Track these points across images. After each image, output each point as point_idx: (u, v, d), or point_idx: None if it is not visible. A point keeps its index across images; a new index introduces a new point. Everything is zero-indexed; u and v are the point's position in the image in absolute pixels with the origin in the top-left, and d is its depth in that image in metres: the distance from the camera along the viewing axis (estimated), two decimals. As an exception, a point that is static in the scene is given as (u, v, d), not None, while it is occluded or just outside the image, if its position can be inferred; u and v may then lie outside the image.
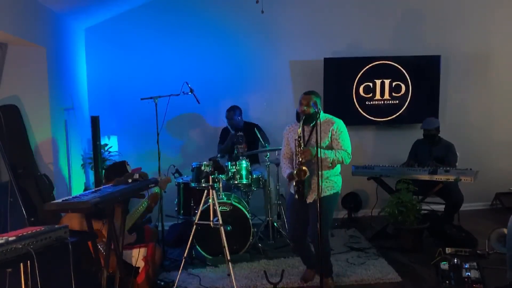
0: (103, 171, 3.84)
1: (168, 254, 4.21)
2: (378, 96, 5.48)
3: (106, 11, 5.05)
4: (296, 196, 3.28)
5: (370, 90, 5.46)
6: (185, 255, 3.45)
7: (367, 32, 5.54)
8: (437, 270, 3.52)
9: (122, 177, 3.07)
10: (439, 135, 4.81)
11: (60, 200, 2.39)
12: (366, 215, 5.48)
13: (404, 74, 5.44)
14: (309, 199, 3.30)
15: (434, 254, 3.89)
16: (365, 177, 4.81)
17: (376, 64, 5.40)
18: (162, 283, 3.55)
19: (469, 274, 3.33)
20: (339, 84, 5.42)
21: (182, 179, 4.43)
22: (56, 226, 2.20)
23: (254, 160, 5.07)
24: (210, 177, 3.53)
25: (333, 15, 5.48)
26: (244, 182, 4.30)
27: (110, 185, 2.87)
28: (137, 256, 3.20)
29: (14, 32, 3.46)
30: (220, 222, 3.40)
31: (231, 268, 3.33)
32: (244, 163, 4.30)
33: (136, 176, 2.92)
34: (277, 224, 4.63)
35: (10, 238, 1.91)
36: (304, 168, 3.14)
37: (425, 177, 4.42)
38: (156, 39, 5.32)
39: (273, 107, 5.48)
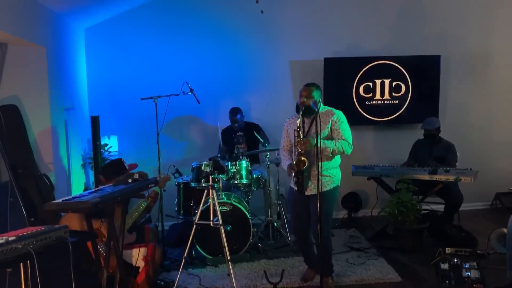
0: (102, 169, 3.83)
1: (168, 254, 4.21)
2: (378, 96, 5.48)
3: (106, 11, 5.05)
4: (296, 188, 3.28)
5: (370, 90, 5.46)
6: (185, 255, 3.45)
7: (367, 32, 5.54)
8: (437, 270, 3.52)
9: (121, 175, 3.08)
10: (439, 135, 4.80)
11: (60, 200, 2.39)
12: (366, 215, 5.48)
13: (404, 74, 5.44)
14: (308, 192, 3.30)
15: (434, 254, 3.89)
16: (365, 177, 4.81)
17: (376, 64, 5.40)
18: (162, 283, 3.56)
19: (469, 274, 3.33)
20: (339, 84, 5.42)
21: (182, 179, 4.43)
22: (56, 226, 2.20)
23: (254, 160, 5.08)
24: (210, 177, 3.54)
25: (333, 15, 5.48)
26: (244, 182, 4.30)
27: (109, 185, 2.87)
28: (137, 256, 3.20)
29: (14, 32, 3.46)
30: (220, 222, 3.40)
31: (231, 268, 3.33)
32: (244, 163, 4.30)
33: (136, 176, 2.92)
34: (277, 224, 4.64)
35: (10, 238, 1.91)
36: (303, 158, 3.15)
37: (425, 177, 4.42)
38: (156, 39, 5.33)
39: (273, 107, 5.48)
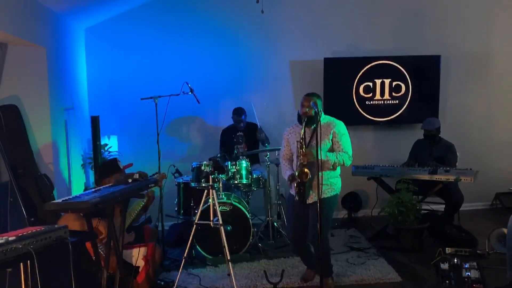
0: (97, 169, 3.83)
1: (168, 254, 4.21)
2: (378, 96, 5.47)
3: (106, 11, 5.05)
4: (297, 198, 3.29)
5: (370, 90, 5.46)
6: (185, 255, 3.45)
7: (367, 32, 5.54)
8: (437, 270, 3.52)
9: (115, 174, 3.11)
10: (439, 135, 4.80)
11: (60, 200, 2.39)
12: (366, 215, 5.48)
13: (404, 74, 5.44)
14: (309, 200, 3.30)
15: (434, 254, 3.89)
16: (365, 177, 4.81)
17: (376, 64, 5.40)
18: (162, 283, 3.56)
19: (469, 274, 3.33)
20: (339, 84, 5.42)
21: (182, 179, 4.43)
22: (56, 226, 2.20)
23: (254, 160, 5.08)
24: (210, 177, 3.54)
25: (333, 15, 5.48)
26: (244, 182, 4.30)
27: (109, 185, 2.87)
28: (137, 256, 3.20)
29: (14, 32, 3.46)
30: (220, 222, 3.40)
31: (231, 268, 3.33)
32: (244, 163, 4.30)
33: (136, 176, 2.92)
34: (277, 224, 4.64)
35: (10, 238, 1.91)
36: (306, 170, 3.14)
37: (425, 177, 4.42)
38: (156, 39, 5.32)
39: (273, 107, 5.48)
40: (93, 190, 2.66)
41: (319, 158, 2.98)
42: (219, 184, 3.96)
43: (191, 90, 4.35)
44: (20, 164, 3.55)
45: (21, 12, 3.62)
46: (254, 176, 4.39)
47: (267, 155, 4.60)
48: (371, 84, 5.44)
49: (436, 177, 4.36)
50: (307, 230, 3.37)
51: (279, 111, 5.46)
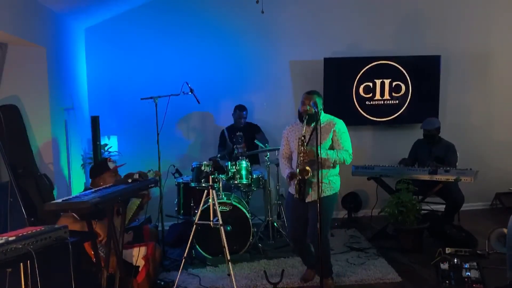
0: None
1: (168, 254, 4.21)
2: (378, 96, 5.47)
3: (106, 11, 5.05)
4: (296, 196, 3.29)
5: (370, 90, 5.46)
6: (185, 255, 3.45)
7: (367, 32, 5.54)
8: (437, 270, 3.53)
9: (104, 174, 3.14)
10: (439, 135, 4.80)
11: (60, 200, 2.39)
12: (366, 215, 5.48)
13: (404, 74, 5.44)
14: (308, 199, 3.30)
15: (434, 254, 3.89)
16: (365, 177, 4.80)
17: (376, 64, 5.40)
18: (162, 283, 3.55)
19: (469, 274, 3.33)
20: (339, 84, 5.42)
21: (182, 179, 4.43)
22: (56, 226, 2.20)
23: (254, 160, 5.08)
24: (210, 177, 3.54)
25: (333, 15, 5.48)
26: (244, 182, 4.29)
27: (109, 185, 2.87)
28: (137, 255, 3.20)
29: (14, 32, 3.46)
30: (220, 222, 3.40)
31: (231, 268, 3.33)
32: (244, 163, 4.30)
33: (136, 176, 2.92)
34: (277, 224, 4.64)
35: (10, 238, 1.91)
36: (307, 168, 3.15)
37: (425, 177, 4.41)
38: (156, 39, 5.32)
39: (273, 107, 5.48)
40: (93, 190, 2.66)
41: (320, 156, 2.98)
42: (219, 184, 3.97)
43: (191, 90, 4.35)
44: (20, 164, 3.55)
45: (21, 12, 3.62)
46: (254, 176, 4.39)
47: (267, 155, 4.60)
48: (371, 84, 5.44)
49: (436, 177, 4.36)
50: (307, 230, 3.38)
51: (279, 111, 5.46)
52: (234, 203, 4.09)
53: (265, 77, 5.48)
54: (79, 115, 4.94)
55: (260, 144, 4.75)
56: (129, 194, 2.91)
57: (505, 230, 3.69)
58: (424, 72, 5.45)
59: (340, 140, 3.32)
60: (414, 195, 4.29)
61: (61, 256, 2.19)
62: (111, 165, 3.31)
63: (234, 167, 4.29)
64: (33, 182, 3.60)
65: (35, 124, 3.96)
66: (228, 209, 4.07)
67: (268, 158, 4.58)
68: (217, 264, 3.98)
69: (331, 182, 3.33)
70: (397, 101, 5.48)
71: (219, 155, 4.44)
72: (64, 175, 4.42)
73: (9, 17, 3.39)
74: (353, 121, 5.29)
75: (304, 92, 3.37)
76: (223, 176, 4.10)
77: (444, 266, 3.46)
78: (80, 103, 5.05)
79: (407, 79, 5.44)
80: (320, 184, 2.97)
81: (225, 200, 4.09)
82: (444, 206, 4.59)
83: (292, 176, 3.30)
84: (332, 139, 3.32)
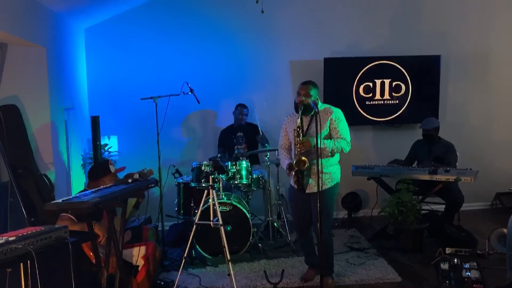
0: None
1: (168, 254, 4.21)
2: (378, 96, 5.48)
3: (106, 11, 5.05)
4: (296, 187, 3.29)
5: (370, 90, 5.46)
6: (185, 255, 3.45)
7: (367, 32, 5.54)
8: (437, 270, 3.52)
9: (104, 176, 3.13)
10: (439, 135, 4.80)
11: (60, 200, 2.39)
12: (366, 215, 5.48)
13: (404, 74, 5.44)
14: (309, 190, 3.30)
15: (434, 254, 3.89)
16: (365, 177, 4.80)
17: (376, 64, 5.40)
18: (162, 283, 3.55)
19: (469, 274, 3.33)
20: (339, 84, 5.42)
21: (182, 179, 4.43)
22: (56, 226, 2.20)
23: (254, 160, 5.08)
24: (210, 177, 3.54)
25: (333, 15, 5.48)
26: (244, 182, 4.30)
27: (109, 185, 2.87)
28: (137, 255, 3.20)
29: (14, 32, 3.46)
30: (220, 222, 3.40)
31: (231, 268, 3.33)
32: (244, 163, 4.30)
33: (136, 176, 2.92)
34: (277, 224, 4.63)
35: (10, 238, 1.91)
36: (303, 158, 3.15)
37: (425, 177, 4.41)
38: (156, 39, 5.32)
39: (273, 107, 5.48)
40: (93, 190, 2.66)
41: (319, 146, 2.96)
42: (219, 184, 3.97)
43: (191, 90, 4.35)
44: (20, 164, 3.55)
45: (21, 12, 3.62)
46: (254, 176, 4.39)
47: (267, 155, 4.60)
48: (371, 84, 5.44)
49: (436, 177, 4.36)
50: (311, 220, 3.39)
51: (279, 111, 5.45)
52: (234, 203, 4.09)
53: (265, 77, 5.48)
54: (79, 115, 4.94)
55: (260, 143, 4.74)
56: (129, 194, 2.90)
57: (505, 230, 3.69)
58: (424, 72, 5.45)
59: (337, 128, 3.31)
60: (414, 195, 4.29)
61: (61, 256, 2.19)
62: (112, 169, 3.31)
63: (234, 167, 4.29)
64: (33, 182, 3.60)
65: (35, 124, 3.96)
66: (228, 209, 4.07)
67: (268, 158, 4.58)
68: (217, 264, 3.98)
69: (332, 173, 3.32)
70: (397, 101, 5.48)
71: (219, 155, 4.44)
72: (64, 175, 4.42)
73: (9, 17, 3.39)
74: (353, 121, 5.26)
75: (300, 83, 3.37)
76: (223, 176, 4.10)
77: (444, 266, 3.46)
78: (80, 103, 5.05)
79: (407, 79, 5.44)
80: (321, 175, 2.94)
81: (225, 200, 4.10)
82: (444, 206, 4.59)
83: (290, 167, 3.30)
84: (329, 127, 3.31)
